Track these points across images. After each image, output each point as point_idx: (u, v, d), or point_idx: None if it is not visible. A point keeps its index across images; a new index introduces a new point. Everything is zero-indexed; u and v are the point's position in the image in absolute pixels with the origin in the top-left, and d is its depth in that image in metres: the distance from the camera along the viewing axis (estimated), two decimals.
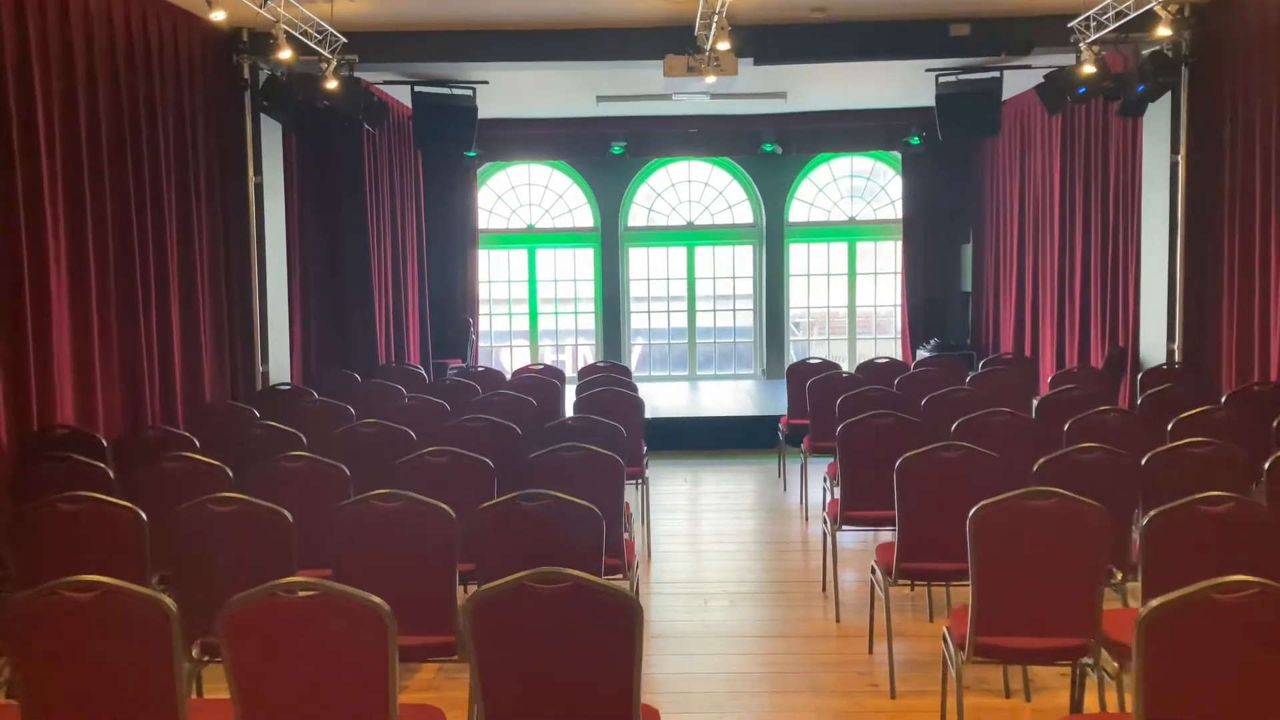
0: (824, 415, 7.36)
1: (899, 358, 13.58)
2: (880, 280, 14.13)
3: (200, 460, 4.57)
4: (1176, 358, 7.93)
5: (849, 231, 14.00)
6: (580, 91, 10.96)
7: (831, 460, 6.85)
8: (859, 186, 14.05)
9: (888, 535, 5.32)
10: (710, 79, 7.40)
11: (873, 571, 4.86)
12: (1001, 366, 7.84)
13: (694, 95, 10.61)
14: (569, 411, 7.36)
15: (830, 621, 5.50)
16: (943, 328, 13.23)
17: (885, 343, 14.09)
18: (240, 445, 5.35)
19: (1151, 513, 3.62)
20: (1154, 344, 8.24)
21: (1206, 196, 7.69)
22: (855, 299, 14.10)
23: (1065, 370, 7.74)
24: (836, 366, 8.47)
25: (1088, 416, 5.45)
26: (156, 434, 5.60)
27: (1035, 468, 4.36)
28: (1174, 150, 7.90)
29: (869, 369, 8.38)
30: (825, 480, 6.93)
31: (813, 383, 7.44)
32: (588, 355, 14.14)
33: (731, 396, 12.47)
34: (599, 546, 3.87)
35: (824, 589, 5.94)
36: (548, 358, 14.12)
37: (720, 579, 6.33)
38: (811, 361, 8.63)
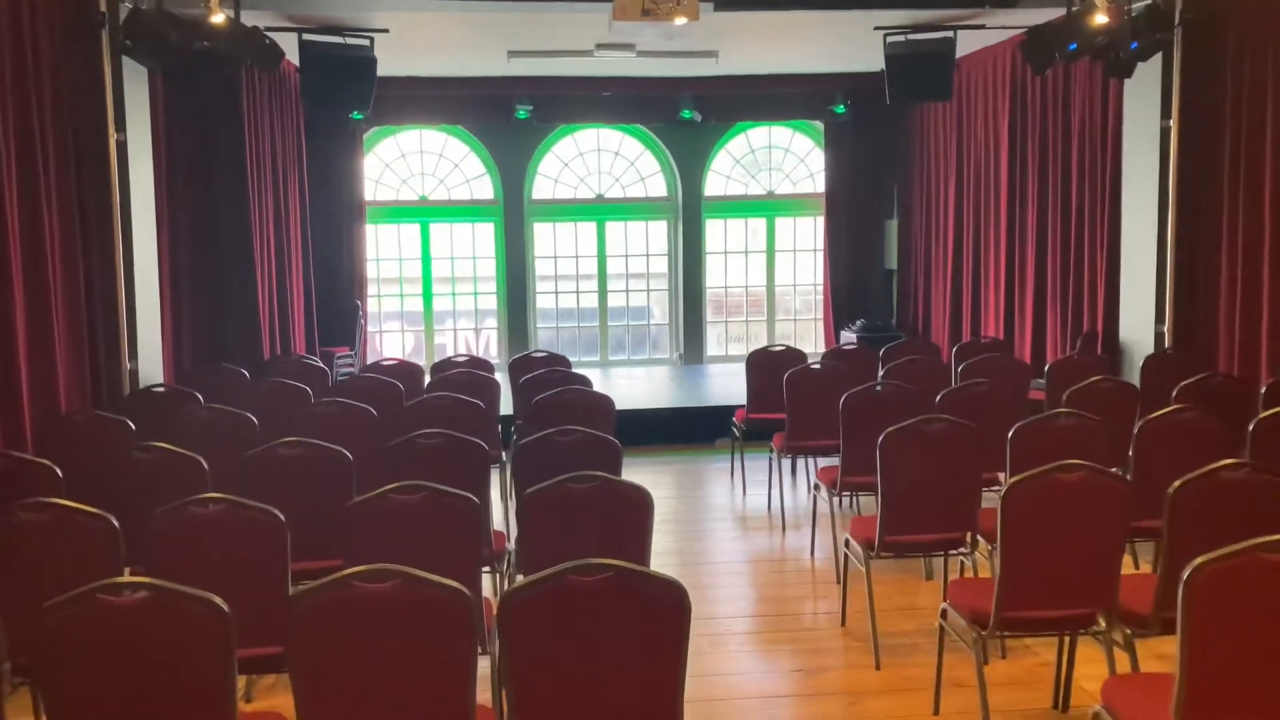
0: (805, 412, 6.48)
1: (821, 339, 12.91)
2: (799, 258, 13.38)
3: (74, 510, 3.31)
4: (1166, 341, 7.34)
5: (768, 206, 13.19)
6: (489, 48, 9.75)
7: (829, 463, 5.98)
8: (778, 159, 13.23)
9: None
10: (679, 19, 6.37)
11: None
12: (992, 354, 7.11)
13: (620, 52, 9.54)
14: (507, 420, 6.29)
15: (870, 669, 4.59)
16: (867, 308, 12.56)
17: (806, 324, 13.36)
18: (122, 477, 4.08)
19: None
20: (1138, 326, 7.65)
21: (1202, 165, 7.09)
22: (774, 278, 13.30)
23: (1064, 358, 7.07)
24: (802, 354, 7.59)
25: (1164, 417, 4.68)
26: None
27: (1171, 490, 3.54)
28: (1165, 115, 7.27)
29: (839, 356, 7.54)
30: (818, 488, 6.04)
31: (792, 375, 6.54)
32: (491, 341, 12.94)
33: (648, 385, 11.51)
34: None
35: (839, 617, 5.04)
36: (440, 346, 12.87)
37: (726, 612, 5.37)
38: (774, 349, 7.73)
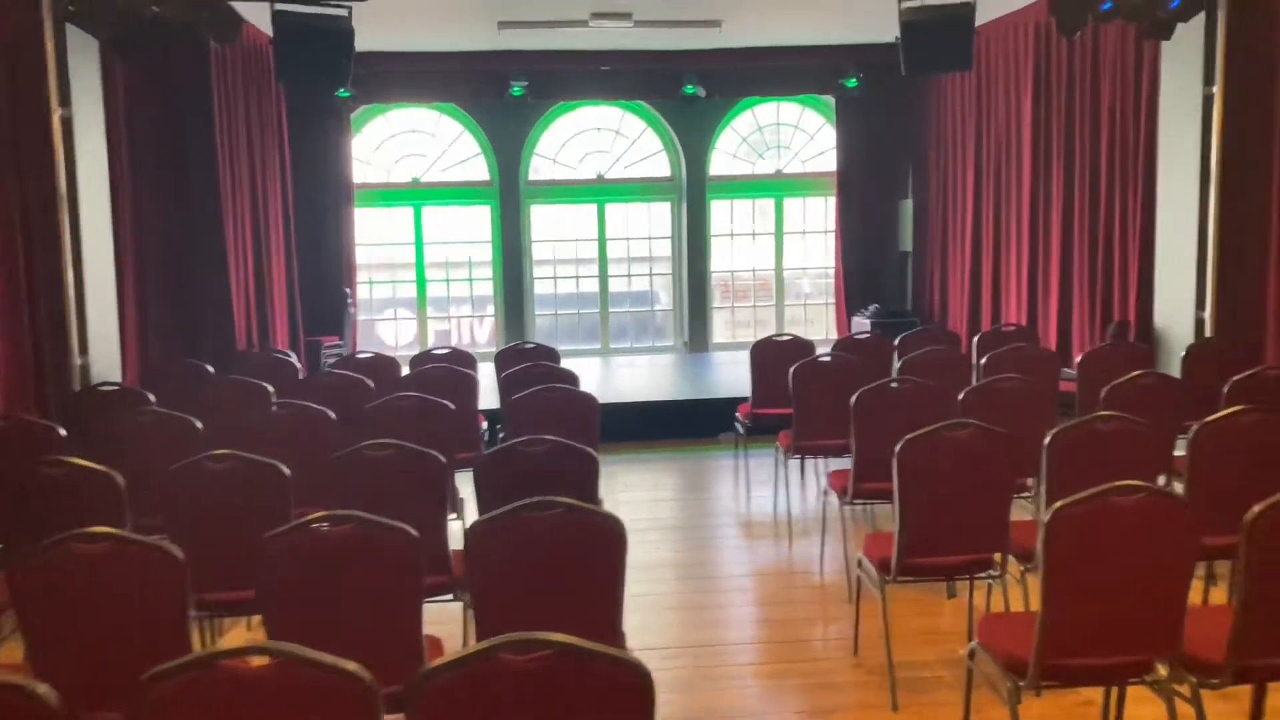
0: (813, 408, 5.91)
1: (833, 325, 12.33)
2: (810, 240, 12.77)
3: None
4: (1208, 329, 6.73)
5: (776, 186, 12.57)
6: (478, 18, 9.17)
7: (840, 465, 5.42)
8: (786, 136, 12.61)
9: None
10: None
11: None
12: (1017, 344, 6.51)
13: (617, 21, 8.95)
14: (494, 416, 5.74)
15: (885, 709, 4.03)
16: (881, 292, 11.97)
17: (817, 309, 12.77)
18: (26, 497, 3.55)
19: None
20: (1175, 313, 7.04)
21: (1249, 135, 6.47)
22: (783, 261, 12.70)
23: (1097, 348, 6.47)
24: (809, 344, 7.02)
25: (1223, 421, 4.09)
26: None
27: (1250, 518, 2.97)
28: (1207, 81, 6.64)
29: (851, 346, 6.96)
30: (826, 493, 5.49)
31: (799, 368, 5.96)
32: (487, 328, 12.40)
33: (650, 375, 10.95)
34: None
35: (851, 644, 4.49)
36: (441, 332, 12.34)
37: (727, 639, 4.82)
38: (779, 339, 7.16)
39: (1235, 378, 5.04)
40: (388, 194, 12.03)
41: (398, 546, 2.81)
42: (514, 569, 2.86)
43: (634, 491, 7.49)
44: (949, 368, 6.17)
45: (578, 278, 12.52)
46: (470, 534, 2.90)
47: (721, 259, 12.58)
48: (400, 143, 12.06)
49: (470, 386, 5.95)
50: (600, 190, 12.32)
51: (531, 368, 6.07)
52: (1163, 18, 6.45)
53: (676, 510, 6.97)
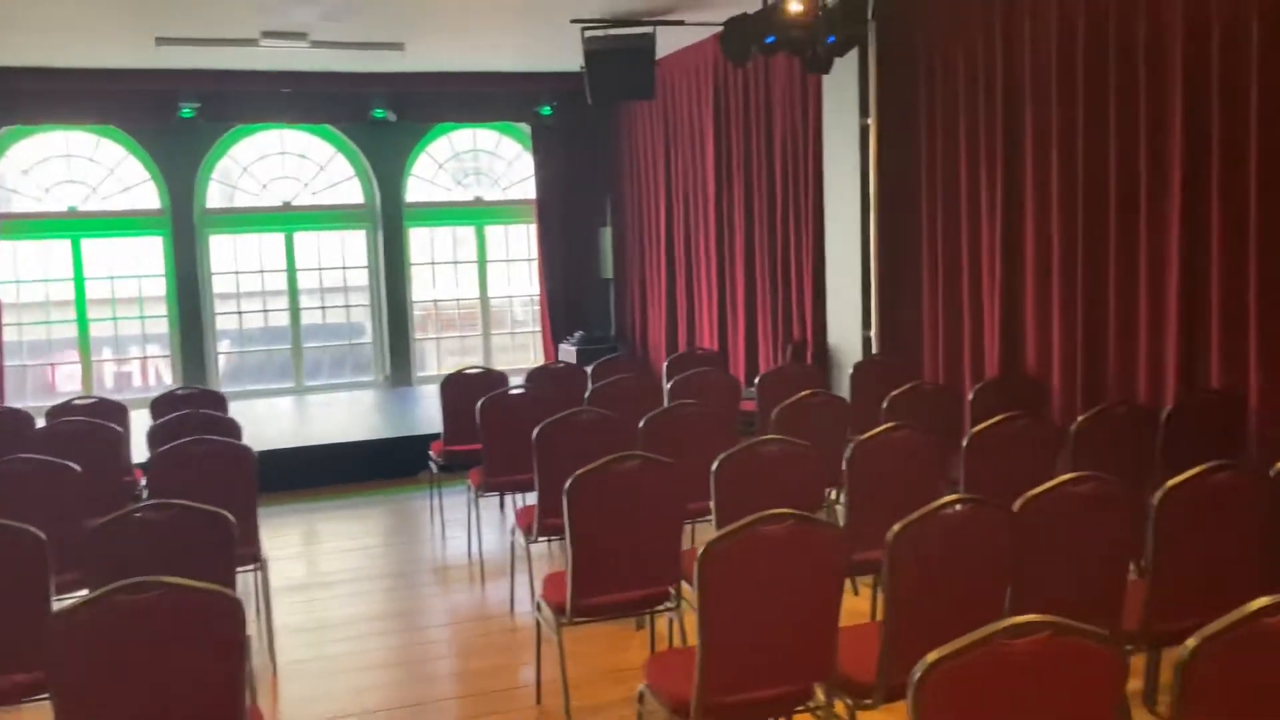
0: (501, 442, 5.72)
1: (540, 353, 12.25)
2: (514, 268, 12.64)
3: None
4: (874, 347, 7.13)
5: (476, 213, 12.36)
6: (132, 33, 8.37)
7: (527, 504, 5.25)
8: (485, 163, 12.43)
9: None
10: None
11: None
12: (703, 368, 6.61)
13: (291, 41, 8.44)
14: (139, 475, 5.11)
15: None
16: (585, 319, 12.01)
17: (525, 336, 12.65)
18: None
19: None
20: (846, 332, 7.42)
21: (901, 165, 6.92)
22: (488, 290, 12.50)
23: (773, 369, 6.67)
24: (502, 377, 6.83)
25: (877, 438, 4.22)
26: None
27: (891, 536, 3.02)
28: (863, 114, 7.07)
29: (545, 377, 6.82)
30: (514, 532, 5.30)
31: (486, 403, 5.75)
32: (164, 369, 11.37)
33: (350, 413, 10.41)
34: None
35: (539, 699, 4.30)
36: (121, 374, 11.19)
37: (419, 697, 4.49)
38: (470, 372, 6.91)
39: (893, 392, 5.29)
40: (40, 225, 10.79)
41: None
42: (108, 672, 2.43)
43: (327, 542, 7.04)
44: (638, 395, 6.15)
45: (265, 311, 11.74)
46: (50, 628, 2.45)
47: (423, 288, 12.20)
48: (51, 168, 10.86)
49: (115, 442, 5.29)
50: (288, 218, 11.62)
51: (187, 417, 5.49)
52: (821, 53, 6.76)
53: (372, 558, 6.56)
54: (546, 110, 11.22)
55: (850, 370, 6.50)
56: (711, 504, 4.01)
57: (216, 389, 10.71)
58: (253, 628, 4.96)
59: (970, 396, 5.50)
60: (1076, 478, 3.25)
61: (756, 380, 6.48)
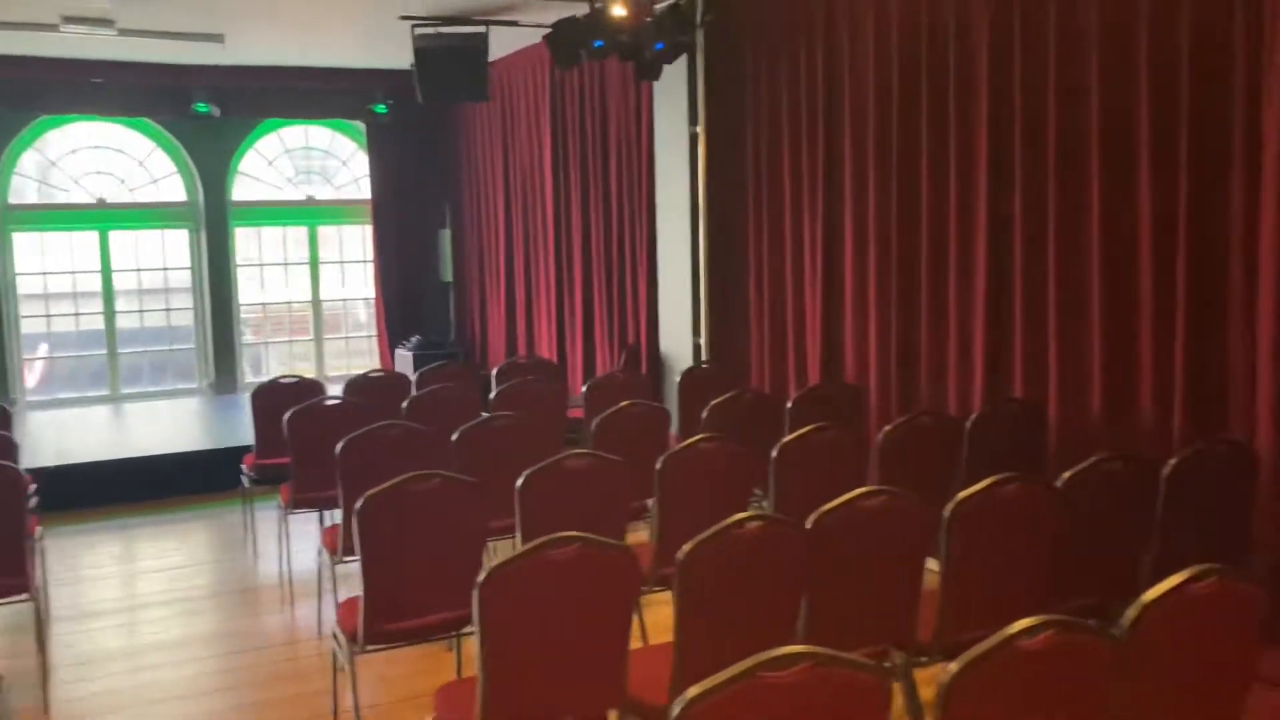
0: (311, 456, 5.44)
1: (375, 358, 11.89)
2: (349, 270, 12.23)
3: None
4: (704, 354, 7.13)
5: (309, 213, 11.90)
6: None
7: (332, 522, 5.01)
8: (318, 162, 11.99)
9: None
10: None
11: None
12: (527, 377, 6.46)
13: (94, 28, 7.90)
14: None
15: None
16: (424, 324, 11.71)
17: (361, 342, 12.24)
18: None
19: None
20: (678, 338, 7.40)
21: (729, 173, 6.94)
22: (320, 293, 12.05)
23: (602, 377, 6.58)
24: (318, 387, 6.54)
25: (686, 450, 4.17)
26: None
27: (682, 555, 2.95)
28: (692, 121, 7.06)
29: (361, 389, 6.56)
30: (321, 553, 5.04)
31: (294, 415, 5.47)
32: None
33: (170, 424, 9.86)
34: None
35: None
36: None
37: None
38: (284, 381, 6.59)
39: (713, 401, 5.27)
40: None
41: None
42: None
43: (139, 561, 6.63)
44: (458, 406, 5.96)
45: (78, 315, 11.02)
46: None
47: (252, 291, 11.68)
48: None
49: None
50: (102, 216, 10.94)
51: None
52: (650, 60, 6.72)
53: (182, 579, 6.17)
54: (381, 108, 10.88)
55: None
56: (516, 522, 3.88)
57: (16, 398, 10.01)
58: (27, 663, 4.60)
59: (789, 405, 5.53)
60: (868, 492, 3.25)
61: (584, 388, 6.39)
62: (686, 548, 2.90)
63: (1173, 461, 3.58)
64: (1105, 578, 3.56)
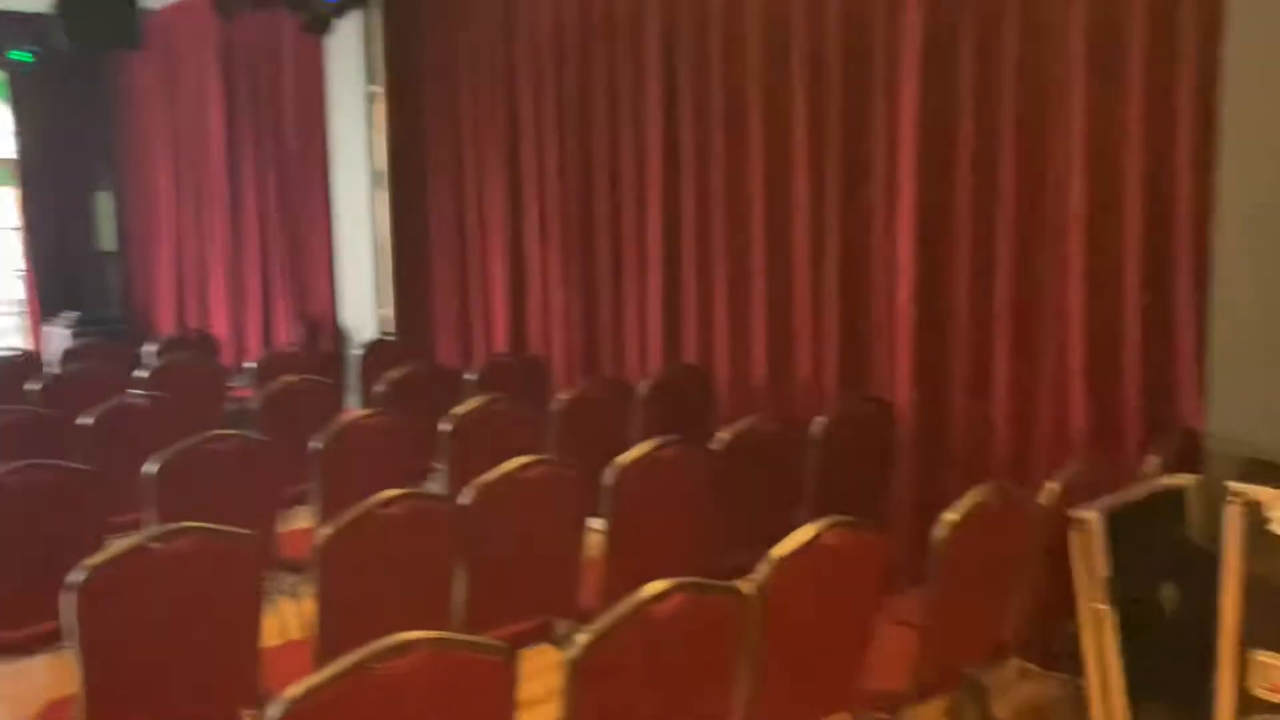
0: None
1: (29, 336, 10.63)
2: None
3: None
4: (392, 327, 6.83)
5: None
6: None
7: None
8: None
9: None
10: None
11: None
12: (183, 353, 5.90)
13: None
14: None
15: None
16: (83, 297, 10.56)
17: (11, 319, 10.88)
18: None
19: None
20: (361, 310, 7.05)
21: (409, 135, 6.65)
22: None
23: (273, 352, 6.12)
24: None
25: (350, 425, 3.91)
26: None
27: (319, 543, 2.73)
28: (370, 80, 6.70)
29: None
30: None
31: None
32: None
33: None
34: None
35: None
36: None
37: None
38: None
39: (387, 374, 5.03)
40: None
41: None
42: None
43: None
44: (107, 389, 5.35)
45: None
46: None
47: None
48: None
49: None
50: None
51: None
52: (321, 13, 6.31)
53: None
54: (26, 56, 9.65)
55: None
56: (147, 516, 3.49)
57: None
58: None
59: (474, 377, 5.37)
60: (528, 463, 3.16)
61: (255, 365, 5.94)
62: (324, 532, 2.69)
63: (820, 420, 3.73)
64: (760, 534, 3.66)
